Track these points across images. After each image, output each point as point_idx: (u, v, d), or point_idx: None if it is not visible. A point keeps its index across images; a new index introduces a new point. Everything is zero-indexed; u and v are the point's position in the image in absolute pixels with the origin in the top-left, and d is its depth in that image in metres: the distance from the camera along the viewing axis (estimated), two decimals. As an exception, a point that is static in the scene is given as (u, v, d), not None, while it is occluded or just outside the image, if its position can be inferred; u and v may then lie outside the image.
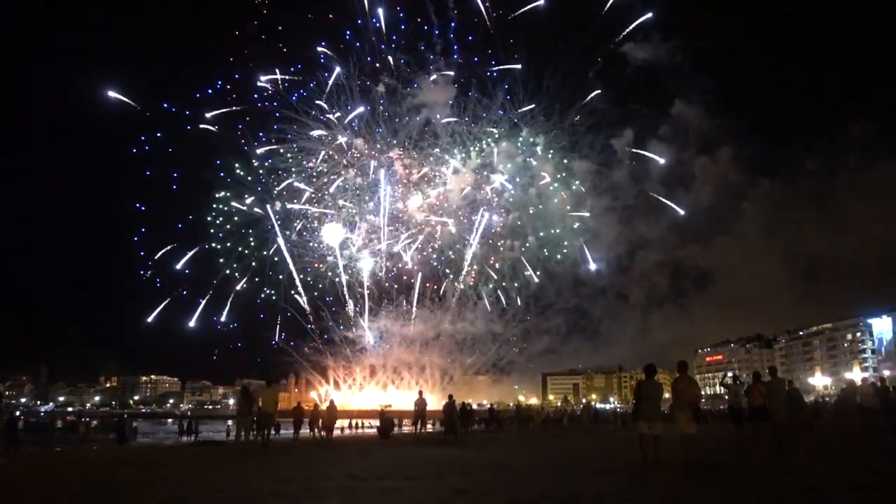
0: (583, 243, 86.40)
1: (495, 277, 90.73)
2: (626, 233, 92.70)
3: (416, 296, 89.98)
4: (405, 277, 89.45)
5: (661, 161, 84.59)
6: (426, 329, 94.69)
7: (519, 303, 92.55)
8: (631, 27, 76.48)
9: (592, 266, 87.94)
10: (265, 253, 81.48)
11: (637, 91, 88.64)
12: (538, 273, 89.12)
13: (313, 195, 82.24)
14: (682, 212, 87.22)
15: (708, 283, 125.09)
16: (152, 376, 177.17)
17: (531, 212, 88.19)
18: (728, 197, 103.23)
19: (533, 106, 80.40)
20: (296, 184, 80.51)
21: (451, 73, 78.99)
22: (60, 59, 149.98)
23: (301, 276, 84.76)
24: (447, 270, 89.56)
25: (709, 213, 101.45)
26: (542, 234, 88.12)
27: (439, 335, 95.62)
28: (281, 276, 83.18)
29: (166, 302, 76.68)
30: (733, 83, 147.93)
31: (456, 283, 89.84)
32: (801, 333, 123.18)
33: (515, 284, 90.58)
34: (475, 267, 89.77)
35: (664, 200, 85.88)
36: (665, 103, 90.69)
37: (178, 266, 75.89)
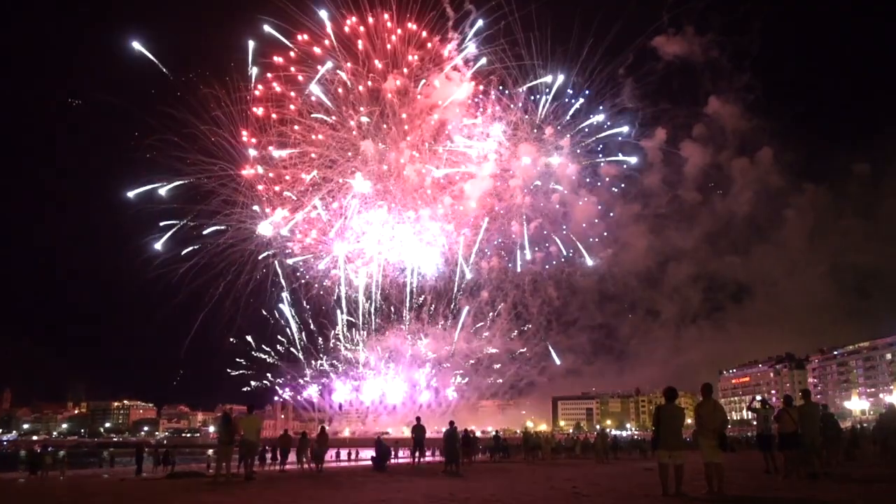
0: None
1: (514, 292, 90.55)
2: (657, 243, 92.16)
3: (428, 312, 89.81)
4: (417, 293, 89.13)
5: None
6: (438, 348, 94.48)
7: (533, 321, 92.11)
8: (667, 18, 76.45)
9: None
10: (261, 264, 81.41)
11: (669, 88, 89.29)
12: (562, 285, 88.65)
13: (317, 205, 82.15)
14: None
15: (746, 296, 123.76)
16: (125, 401, 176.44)
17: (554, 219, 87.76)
18: (769, 203, 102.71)
19: (557, 104, 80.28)
20: (296, 193, 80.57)
21: (468, 69, 78.97)
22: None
23: (301, 291, 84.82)
24: (462, 284, 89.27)
25: (747, 220, 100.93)
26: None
27: (453, 355, 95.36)
28: (274, 289, 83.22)
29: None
30: (775, 79, 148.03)
31: (472, 298, 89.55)
32: (835, 353, 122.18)
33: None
34: (493, 280, 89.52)
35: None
36: (700, 101, 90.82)
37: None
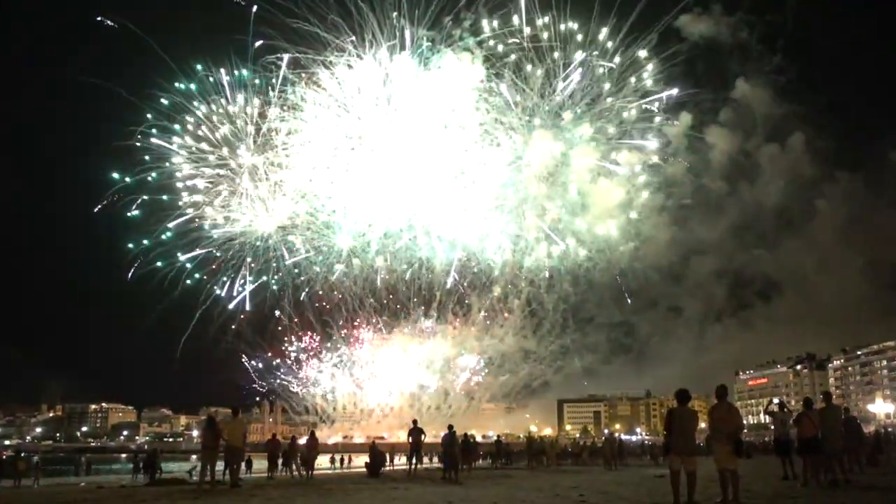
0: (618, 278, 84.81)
1: (528, 288, 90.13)
2: (680, 236, 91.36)
3: (437, 309, 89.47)
4: (425, 288, 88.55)
5: None
6: (448, 347, 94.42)
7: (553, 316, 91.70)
8: None
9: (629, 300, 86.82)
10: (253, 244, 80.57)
11: (695, 70, 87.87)
12: (580, 281, 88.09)
13: (318, 191, 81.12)
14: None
15: (774, 293, 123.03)
16: (103, 404, 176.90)
17: (571, 211, 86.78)
18: (800, 193, 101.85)
19: (574, 87, 79.14)
20: (297, 180, 79.58)
21: (480, 49, 77.64)
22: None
23: (303, 286, 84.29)
24: (473, 279, 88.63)
25: (777, 211, 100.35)
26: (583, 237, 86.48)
27: (462, 353, 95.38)
28: (266, 278, 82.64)
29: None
30: (808, 61, 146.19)
31: (483, 294, 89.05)
32: (858, 353, 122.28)
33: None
34: (505, 276, 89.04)
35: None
36: (727, 85, 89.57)
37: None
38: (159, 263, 76.76)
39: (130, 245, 76.48)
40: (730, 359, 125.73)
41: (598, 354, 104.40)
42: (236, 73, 74.53)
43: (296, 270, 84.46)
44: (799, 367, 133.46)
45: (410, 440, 23.12)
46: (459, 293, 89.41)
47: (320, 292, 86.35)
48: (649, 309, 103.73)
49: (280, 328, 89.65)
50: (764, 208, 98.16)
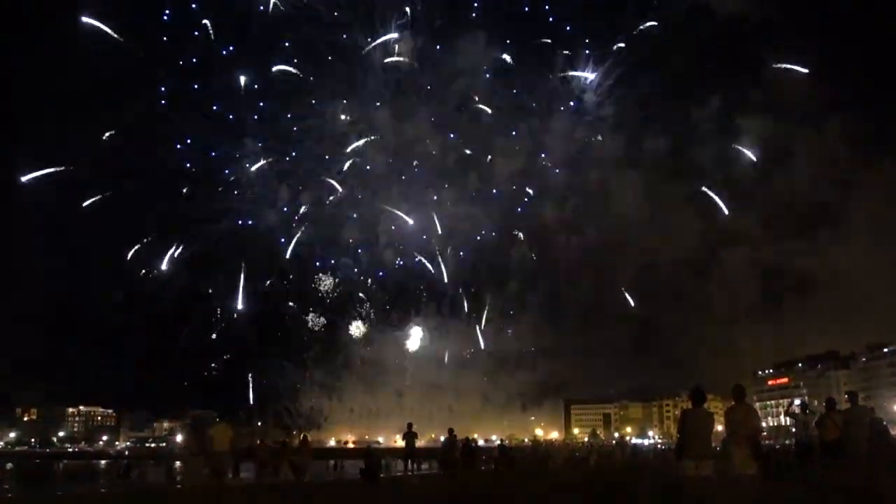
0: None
1: (545, 281, 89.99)
2: (707, 226, 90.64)
3: (448, 304, 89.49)
4: (436, 283, 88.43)
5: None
6: (461, 345, 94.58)
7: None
8: None
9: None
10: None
11: (724, 50, 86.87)
12: (602, 274, 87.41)
13: (333, 185, 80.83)
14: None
15: (808, 287, 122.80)
16: (81, 407, 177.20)
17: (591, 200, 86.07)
18: (836, 180, 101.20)
19: (597, 71, 78.32)
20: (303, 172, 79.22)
21: (497, 31, 77.10)
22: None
23: (310, 280, 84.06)
24: (487, 273, 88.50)
25: (812, 199, 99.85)
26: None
27: (472, 351, 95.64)
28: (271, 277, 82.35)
29: None
30: (845, 39, 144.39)
31: (498, 289, 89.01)
32: (885, 350, 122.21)
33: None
34: (522, 270, 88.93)
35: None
36: (758, 65, 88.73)
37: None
38: (148, 267, 76.73)
39: (120, 240, 76.25)
40: (759, 356, 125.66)
41: (618, 352, 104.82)
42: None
43: (299, 265, 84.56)
44: (821, 365, 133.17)
45: (405, 443, 23.24)
46: (473, 288, 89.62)
47: (324, 288, 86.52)
48: (674, 304, 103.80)
49: (279, 324, 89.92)
50: (797, 196, 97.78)
